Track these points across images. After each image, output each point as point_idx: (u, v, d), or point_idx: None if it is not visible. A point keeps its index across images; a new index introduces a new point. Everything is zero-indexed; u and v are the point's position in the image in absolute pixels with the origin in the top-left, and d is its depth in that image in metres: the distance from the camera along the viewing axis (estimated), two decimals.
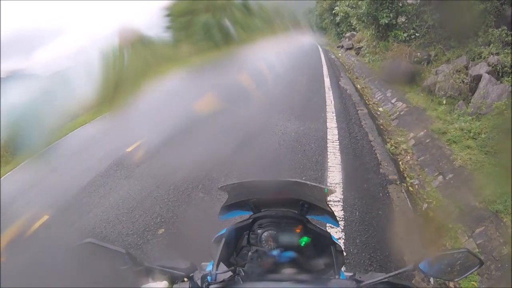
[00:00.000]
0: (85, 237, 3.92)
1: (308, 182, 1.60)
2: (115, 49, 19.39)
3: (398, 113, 7.81)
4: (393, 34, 11.71)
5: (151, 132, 8.78)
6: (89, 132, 11.54)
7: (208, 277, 1.45)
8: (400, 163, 5.55)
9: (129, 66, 17.08)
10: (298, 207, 1.88)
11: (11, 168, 10.00)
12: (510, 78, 6.08)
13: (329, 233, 1.86)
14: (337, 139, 6.72)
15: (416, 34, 10.76)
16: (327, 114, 8.27)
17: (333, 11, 20.92)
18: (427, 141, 5.89)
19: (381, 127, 7.26)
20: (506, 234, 3.32)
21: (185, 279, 1.39)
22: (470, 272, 1.34)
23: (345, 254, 1.99)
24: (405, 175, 5.12)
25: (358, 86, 11.19)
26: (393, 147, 6.08)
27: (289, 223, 1.90)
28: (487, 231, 3.45)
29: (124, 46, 19.57)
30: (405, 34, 11.14)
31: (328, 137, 6.85)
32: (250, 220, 1.93)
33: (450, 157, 5.03)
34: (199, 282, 1.40)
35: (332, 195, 4.46)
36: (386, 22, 11.80)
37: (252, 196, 1.89)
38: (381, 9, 11.95)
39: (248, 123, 8.31)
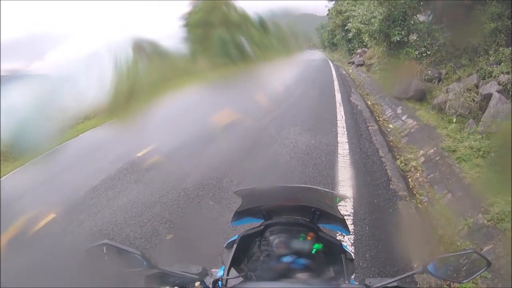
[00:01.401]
0: (92, 237, 4.10)
1: (321, 188, 1.65)
2: (130, 58, 19.61)
3: (408, 130, 7.86)
4: (404, 51, 11.80)
5: (163, 139, 8.89)
6: (101, 135, 11.74)
7: (219, 282, 1.46)
8: (409, 180, 5.59)
9: (144, 76, 17.25)
10: (309, 214, 1.90)
11: (18, 164, 10.20)
12: None
13: (339, 241, 1.86)
14: (347, 153, 6.79)
15: (428, 52, 10.83)
16: (338, 129, 8.34)
17: (346, 27, 21.10)
18: (437, 158, 5.93)
19: (391, 143, 7.31)
20: None
21: (197, 283, 1.40)
22: (478, 273, 1.34)
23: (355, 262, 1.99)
24: (415, 192, 5.16)
25: (369, 103, 11.27)
26: (403, 164, 6.13)
27: (301, 230, 1.91)
28: (495, 249, 3.49)
29: (139, 56, 19.81)
30: (417, 52, 11.22)
31: (339, 151, 6.92)
32: (262, 227, 1.93)
33: (460, 175, 5.07)
34: (210, 286, 1.41)
35: (343, 209, 4.52)
36: (398, 39, 11.89)
37: (265, 202, 1.91)
38: (393, 26, 12.04)
39: (260, 134, 8.43)
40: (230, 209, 4.95)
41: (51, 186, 7.73)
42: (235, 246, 1.82)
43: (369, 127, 8.42)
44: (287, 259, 1.72)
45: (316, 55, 45.57)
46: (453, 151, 5.83)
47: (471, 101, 6.96)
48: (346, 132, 8.06)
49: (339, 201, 1.96)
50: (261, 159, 6.98)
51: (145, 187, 6.56)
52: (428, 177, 5.57)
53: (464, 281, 1.39)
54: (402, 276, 1.34)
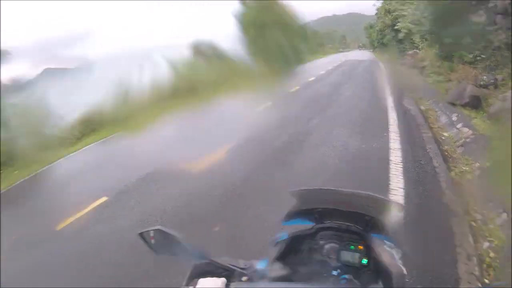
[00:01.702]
0: (142, 221, 5.11)
1: (378, 196, 1.64)
2: (187, 59, 20.12)
3: (463, 139, 7.67)
4: (458, 54, 11.51)
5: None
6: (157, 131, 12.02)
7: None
8: (463, 195, 5.49)
9: (203, 75, 17.68)
10: (363, 222, 1.85)
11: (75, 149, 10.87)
12: None
13: (392, 254, 1.79)
14: (400, 161, 6.70)
15: (482, 55, 10.52)
16: (390, 134, 8.28)
17: (395, 27, 20.70)
18: None
19: (446, 153, 7.19)
20: None
21: (244, 278, 1.38)
22: None
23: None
24: (468, 209, 5.08)
25: (422, 108, 11.09)
26: (457, 176, 6.06)
27: (353, 238, 1.87)
28: None
29: (198, 57, 20.31)
30: (471, 55, 10.91)
31: (391, 158, 6.85)
32: (313, 230, 1.90)
33: None
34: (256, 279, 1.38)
35: None
36: (451, 41, 11.61)
37: (318, 205, 1.89)
38: (445, 27, 11.81)
39: (310, 134, 8.62)
40: (276, 210, 4.86)
41: (104, 172, 8.73)
42: (285, 242, 1.82)
43: (423, 134, 8.31)
44: (335, 273, 1.73)
45: (365, 55, 44.93)
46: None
47: None
48: (399, 138, 7.98)
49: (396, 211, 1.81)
50: (309, 160, 7.20)
51: (194, 179, 6.90)
52: (483, 195, 5.42)
53: None
54: None
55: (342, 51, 62.90)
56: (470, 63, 10.87)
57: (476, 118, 8.51)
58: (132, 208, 6.34)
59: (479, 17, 11.81)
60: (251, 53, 20.35)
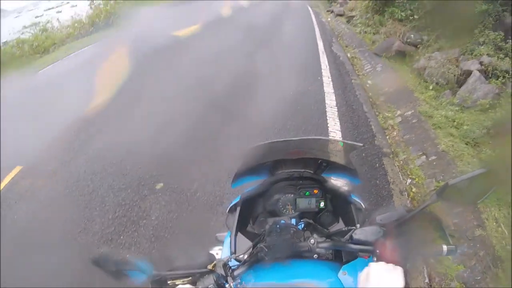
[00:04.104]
0: (69, 190, 4.52)
1: (329, 138, 1.66)
2: None
3: (387, 89, 8.27)
4: (390, 10, 12.05)
5: None
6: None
7: (229, 262, 1.37)
8: (387, 137, 6.10)
9: None
10: (314, 166, 1.86)
11: None
12: (498, 81, 6.71)
13: (348, 191, 1.86)
14: (335, 105, 7.06)
15: (415, 16, 11.17)
16: (323, 78, 8.60)
17: None
18: (414, 121, 6.42)
19: (371, 100, 7.71)
20: (478, 218, 3.89)
21: (207, 274, 1.31)
22: (490, 192, 1.29)
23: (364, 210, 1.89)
24: (393, 150, 5.68)
25: (349, 55, 11.60)
26: (382, 121, 6.63)
27: (306, 184, 1.91)
28: (463, 213, 4.02)
29: None
30: (403, 13, 11.51)
31: (327, 102, 7.18)
32: (265, 186, 1.89)
33: (435, 141, 5.57)
34: (222, 272, 1.31)
35: None
36: None
37: (268, 159, 1.82)
38: None
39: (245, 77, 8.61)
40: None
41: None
42: (238, 209, 1.79)
43: (353, 81, 8.77)
44: (294, 221, 1.77)
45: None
46: (429, 116, 6.30)
47: (451, 73, 7.46)
48: (331, 83, 8.34)
49: (349, 150, 1.80)
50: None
51: (121, 126, 6.37)
52: (404, 137, 6.05)
53: (478, 202, 1.37)
54: (416, 210, 1.30)
55: None
56: (400, 20, 11.44)
57: (399, 71, 9.19)
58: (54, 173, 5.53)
59: None
60: None
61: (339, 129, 6.09)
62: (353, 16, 16.23)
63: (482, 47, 7.67)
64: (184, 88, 7.64)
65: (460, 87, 7.01)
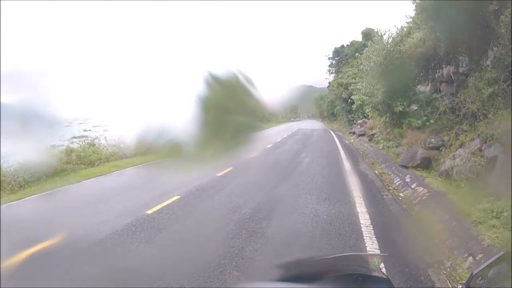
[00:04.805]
0: None
1: (360, 253, 1.73)
2: None
3: (420, 198, 8.09)
4: (407, 121, 12.29)
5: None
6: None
7: None
8: (429, 247, 5.67)
9: None
10: (353, 281, 1.81)
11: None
12: None
13: None
14: (370, 223, 6.81)
15: (430, 120, 11.29)
16: (355, 199, 8.45)
17: (349, 99, 21.87)
18: (453, 224, 6.10)
19: (405, 212, 7.48)
20: None
21: None
22: None
23: None
24: (437, 259, 5.23)
25: (376, 172, 11.56)
26: (423, 231, 6.28)
27: None
28: None
29: None
30: (419, 121, 11.69)
31: (361, 221, 6.94)
32: None
33: (478, 238, 5.22)
34: None
35: None
36: (401, 109, 12.49)
37: (306, 276, 1.83)
38: (396, 97, 12.69)
39: (278, 203, 8.46)
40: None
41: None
42: None
43: (384, 196, 8.62)
44: None
45: (316, 124, 46.37)
46: (467, 214, 5.98)
47: (478, 165, 7.24)
48: (363, 202, 8.14)
49: (378, 263, 1.97)
50: (282, 228, 6.86)
51: (156, 249, 6.08)
52: (447, 242, 5.69)
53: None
54: None
55: (293, 120, 65.90)
56: (418, 128, 11.58)
57: (428, 177, 9.03)
58: None
59: (425, 87, 12.89)
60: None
61: (377, 247, 5.73)
62: (374, 134, 16.59)
63: (500, 129, 7.51)
64: (217, 215, 7.60)
65: (491, 175, 6.73)
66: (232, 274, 4.93)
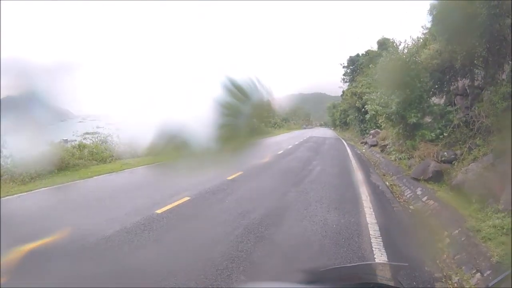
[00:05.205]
0: None
1: (378, 262, 1.76)
2: None
3: (430, 211, 8.04)
4: (420, 133, 12.21)
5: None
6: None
7: None
8: (437, 261, 5.66)
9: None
10: None
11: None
12: None
13: None
14: (379, 235, 6.77)
15: (444, 134, 11.23)
16: (365, 209, 8.42)
17: (363, 109, 21.78)
18: (462, 239, 6.05)
19: (415, 225, 7.50)
20: None
21: None
22: None
23: None
24: (444, 274, 5.23)
25: (387, 183, 11.50)
26: (432, 245, 6.24)
27: None
28: None
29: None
30: (432, 134, 11.61)
31: (371, 232, 6.91)
32: None
33: (487, 254, 5.18)
34: None
35: None
36: (414, 121, 12.41)
37: (324, 280, 1.87)
38: (410, 109, 12.62)
39: (287, 210, 8.44)
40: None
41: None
42: None
43: (394, 208, 8.59)
44: None
45: (328, 133, 46.17)
46: (477, 230, 5.93)
47: (490, 180, 7.17)
48: (373, 213, 8.12)
49: (396, 271, 1.95)
50: (292, 236, 6.82)
51: (164, 248, 6.12)
52: (455, 257, 5.66)
53: None
54: None
55: (305, 128, 65.90)
56: (431, 140, 11.50)
57: (439, 191, 8.99)
58: None
59: (439, 99, 12.81)
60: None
61: (386, 259, 5.65)
62: (386, 145, 16.50)
63: None
64: (226, 218, 7.58)
65: (502, 191, 6.66)
66: (239, 279, 4.89)
